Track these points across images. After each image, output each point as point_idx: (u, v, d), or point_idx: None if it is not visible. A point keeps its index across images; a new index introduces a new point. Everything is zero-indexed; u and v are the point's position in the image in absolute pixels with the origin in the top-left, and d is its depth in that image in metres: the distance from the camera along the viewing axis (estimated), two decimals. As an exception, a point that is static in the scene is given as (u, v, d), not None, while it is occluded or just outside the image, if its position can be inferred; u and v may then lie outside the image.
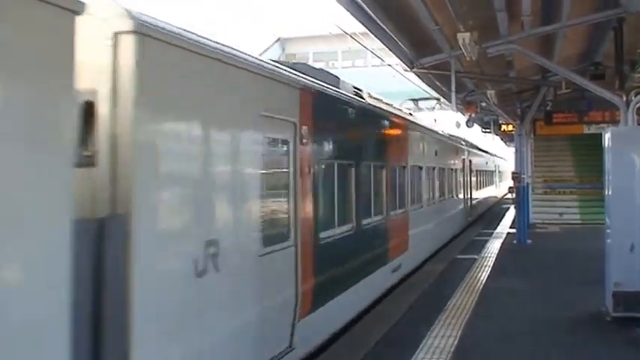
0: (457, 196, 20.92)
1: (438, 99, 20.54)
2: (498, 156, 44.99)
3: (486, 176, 33.93)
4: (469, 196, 24.28)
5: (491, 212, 33.24)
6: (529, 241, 18.80)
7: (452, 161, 19.77)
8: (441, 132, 18.65)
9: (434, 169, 15.97)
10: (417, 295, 11.32)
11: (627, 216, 9.13)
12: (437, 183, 16.41)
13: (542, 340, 8.38)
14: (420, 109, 21.55)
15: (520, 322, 9.33)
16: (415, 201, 13.59)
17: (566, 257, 15.64)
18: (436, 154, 16.41)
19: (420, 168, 14.16)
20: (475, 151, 28.29)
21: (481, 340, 8.40)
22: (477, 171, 27.92)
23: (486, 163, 34.30)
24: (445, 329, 8.79)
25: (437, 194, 16.46)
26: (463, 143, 23.44)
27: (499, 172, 44.48)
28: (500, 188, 44.43)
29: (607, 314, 9.32)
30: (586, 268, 13.04)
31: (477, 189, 27.84)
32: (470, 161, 24.71)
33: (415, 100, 21.12)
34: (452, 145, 20.24)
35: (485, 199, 32.83)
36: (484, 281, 12.56)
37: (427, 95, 20.76)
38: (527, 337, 8.55)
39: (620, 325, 8.89)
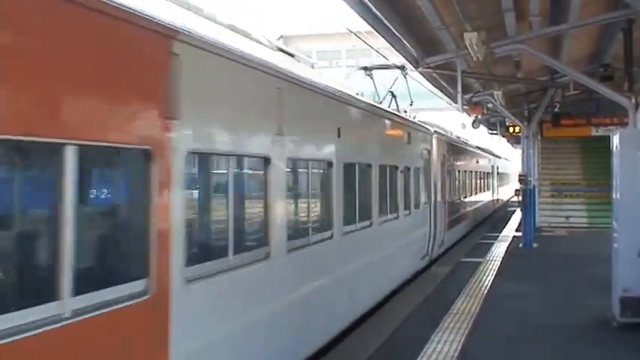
0: (411, 210, 13.27)
1: (402, 67, 14.58)
2: (498, 155, 39.03)
3: (477, 179, 26.58)
4: (441, 206, 16.63)
5: (482, 227, 26.30)
6: (535, 245, 18.61)
7: (395, 154, 12.20)
8: (360, 99, 10.51)
9: (329, 165, 8.35)
10: (421, 298, 11.21)
11: (635, 220, 8.98)
12: (342, 193, 8.67)
13: (547, 346, 8.23)
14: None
15: (525, 327, 9.18)
16: (250, 244, 6.26)
17: (572, 261, 15.48)
18: (339, 135, 8.61)
19: (295, 166, 7.38)
20: (457, 145, 21.33)
21: (485, 345, 8.26)
22: (460, 172, 21.02)
23: (477, 162, 26.87)
24: (449, 334, 8.66)
25: (344, 215, 8.77)
26: (429, 130, 15.82)
27: (498, 173, 37.51)
28: (499, 194, 37.32)
29: (613, 320, 9.17)
30: (592, 272, 12.91)
31: (458, 197, 20.69)
32: (443, 156, 17.43)
33: (367, 69, 14.46)
34: (394, 128, 12.36)
35: (475, 209, 25.56)
36: (489, 285, 12.41)
37: (430, 93, 19.19)
38: (531, 342, 8.40)
39: (627, 331, 8.74)
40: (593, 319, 9.55)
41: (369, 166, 10.38)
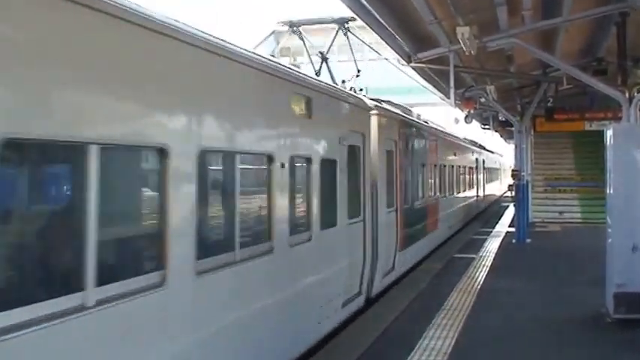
0: (313, 232, 7.95)
1: (342, 21, 11.76)
2: (486, 147, 36.15)
3: (456, 175, 22.07)
4: (389, 217, 11.90)
5: (464, 232, 22.71)
6: (528, 240, 18.61)
7: (261, 132, 6.79)
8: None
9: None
10: (413, 294, 11.17)
11: (629, 215, 8.97)
12: (94, 214, 3.98)
13: (540, 342, 8.20)
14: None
15: (518, 323, 9.16)
16: None
17: (565, 257, 15.47)
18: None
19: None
20: (421, 130, 16.10)
21: (478, 341, 8.23)
22: (426, 167, 16.22)
23: (455, 154, 22.26)
24: (442, 330, 8.63)
25: (103, 263, 4.14)
26: (363, 103, 10.82)
27: (484, 168, 33.31)
28: (485, 192, 33.44)
29: (607, 315, 9.14)
30: (586, 268, 12.89)
31: (422, 201, 15.86)
32: (395, 145, 12.70)
33: (294, 25, 11.85)
34: (259, 83, 6.67)
35: (451, 213, 21.04)
36: (482, 281, 12.38)
37: (426, 90, 19.16)
38: (524, 338, 8.37)
39: (620, 327, 8.72)
40: (587, 314, 9.52)
41: (181, 154, 4.97)
